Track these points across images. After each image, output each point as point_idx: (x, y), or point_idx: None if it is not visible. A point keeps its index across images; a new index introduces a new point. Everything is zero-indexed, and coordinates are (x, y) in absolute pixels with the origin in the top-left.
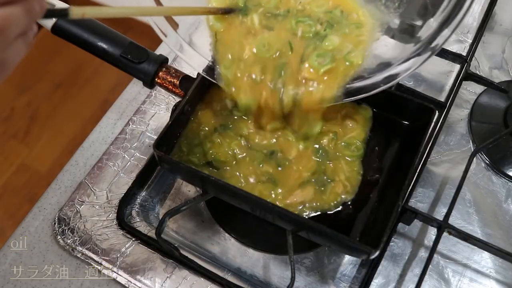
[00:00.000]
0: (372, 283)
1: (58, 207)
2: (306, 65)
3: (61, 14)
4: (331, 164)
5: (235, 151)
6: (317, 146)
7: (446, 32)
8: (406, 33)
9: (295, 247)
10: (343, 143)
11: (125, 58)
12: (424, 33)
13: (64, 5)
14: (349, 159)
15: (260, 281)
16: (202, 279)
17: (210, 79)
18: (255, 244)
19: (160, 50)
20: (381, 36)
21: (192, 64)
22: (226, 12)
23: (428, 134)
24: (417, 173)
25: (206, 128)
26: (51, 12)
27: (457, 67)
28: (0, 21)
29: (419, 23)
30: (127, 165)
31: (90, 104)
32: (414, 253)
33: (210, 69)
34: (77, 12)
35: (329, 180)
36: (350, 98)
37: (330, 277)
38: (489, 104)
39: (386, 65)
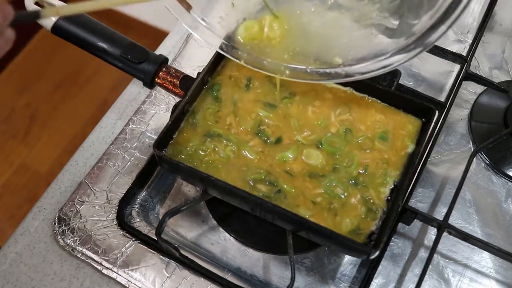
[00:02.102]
0: (372, 283)
1: (58, 207)
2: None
3: (33, 16)
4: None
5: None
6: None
7: (442, 28)
8: (398, 27)
9: (295, 247)
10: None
11: (125, 58)
12: (418, 28)
13: (61, 4)
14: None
15: (260, 281)
16: (202, 279)
17: (229, 56)
18: (255, 244)
19: (160, 50)
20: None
21: (210, 42)
22: None
23: (428, 134)
24: (417, 173)
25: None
26: (21, 16)
27: (457, 67)
28: None
29: (412, 19)
30: (127, 165)
31: (90, 104)
32: (414, 253)
33: (226, 46)
34: (49, 12)
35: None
36: (335, 80)
37: (330, 277)
38: (489, 104)
39: (375, 55)
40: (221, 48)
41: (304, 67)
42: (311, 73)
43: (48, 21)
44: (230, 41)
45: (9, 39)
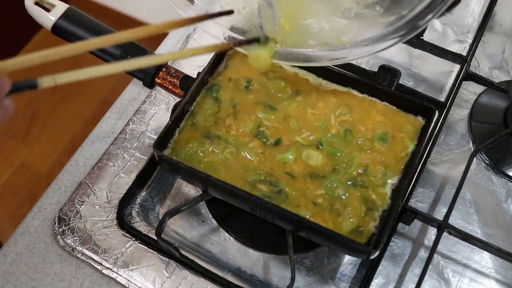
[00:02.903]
0: (372, 283)
1: (58, 207)
2: None
3: (30, 86)
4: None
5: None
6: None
7: (429, 17)
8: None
9: (295, 247)
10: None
11: (125, 58)
12: (405, 14)
13: (64, 5)
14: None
15: (260, 281)
16: (202, 279)
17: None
18: (255, 244)
19: (160, 50)
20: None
21: (214, 34)
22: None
23: (428, 134)
24: (417, 173)
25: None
26: (18, 86)
27: (457, 67)
28: None
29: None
30: (127, 165)
31: (90, 104)
32: (414, 253)
33: (229, 38)
34: (46, 82)
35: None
36: (316, 63)
37: (330, 277)
38: (489, 104)
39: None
40: (225, 39)
41: (308, 49)
42: (314, 57)
43: (48, 21)
44: (234, 31)
45: (7, 109)
